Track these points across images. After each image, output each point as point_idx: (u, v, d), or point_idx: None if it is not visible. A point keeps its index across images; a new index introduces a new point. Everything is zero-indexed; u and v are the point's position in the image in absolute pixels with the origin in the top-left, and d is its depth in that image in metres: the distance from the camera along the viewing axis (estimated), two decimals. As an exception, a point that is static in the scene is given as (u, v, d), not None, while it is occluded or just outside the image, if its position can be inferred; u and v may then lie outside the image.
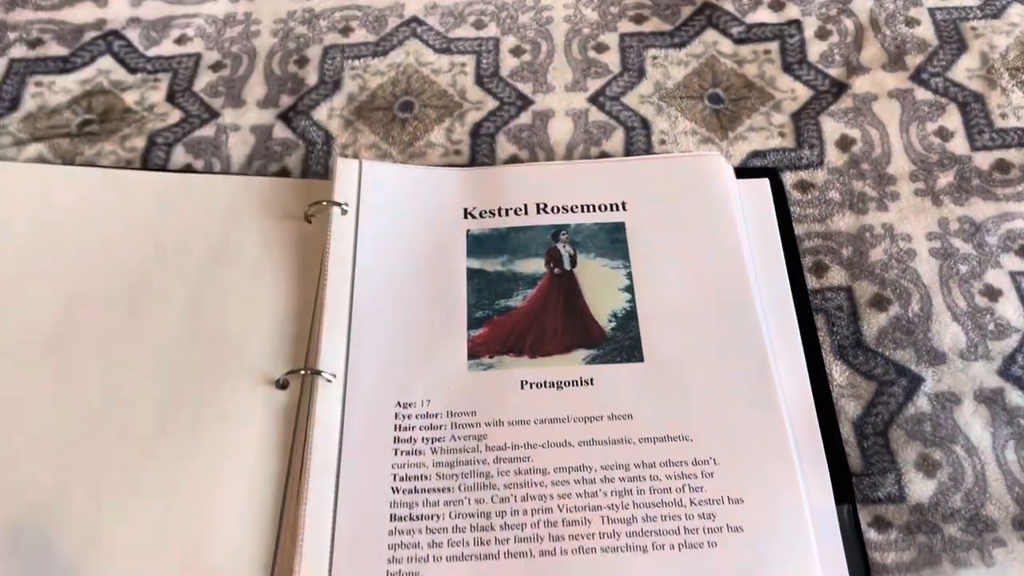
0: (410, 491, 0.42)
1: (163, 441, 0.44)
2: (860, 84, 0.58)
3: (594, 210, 0.52)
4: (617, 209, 0.52)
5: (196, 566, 0.41)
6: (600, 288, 0.49)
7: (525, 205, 0.52)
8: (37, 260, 0.50)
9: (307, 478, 0.42)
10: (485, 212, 0.52)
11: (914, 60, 0.58)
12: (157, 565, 0.41)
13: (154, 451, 0.44)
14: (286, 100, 0.59)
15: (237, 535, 0.42)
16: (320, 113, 0.58)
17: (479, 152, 0.56)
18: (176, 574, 0.41)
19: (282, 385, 0.46)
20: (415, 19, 0.63)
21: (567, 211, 0.52)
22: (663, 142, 0.56)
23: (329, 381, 0.45)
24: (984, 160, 0.54)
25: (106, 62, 0.60)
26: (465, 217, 0.52)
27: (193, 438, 0.44)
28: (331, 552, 0.41)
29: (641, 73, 0.60)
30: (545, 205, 0.52)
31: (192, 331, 0.48)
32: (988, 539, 0.42)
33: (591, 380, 0.46)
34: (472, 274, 0.50)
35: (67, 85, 0.59)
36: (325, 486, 0.42)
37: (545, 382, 0.46)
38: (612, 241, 0.51)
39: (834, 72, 0.59)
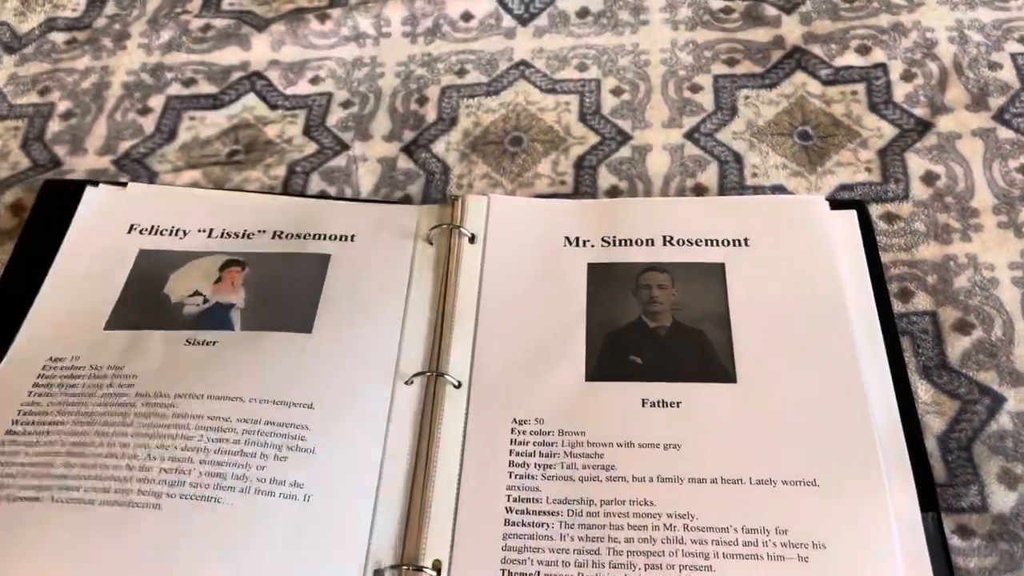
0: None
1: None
2: (944, 123, 0.61)
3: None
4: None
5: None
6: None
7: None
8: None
9: (433, 469, 0.48)
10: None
11: (996, 101, 0.62)
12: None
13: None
14: (408, 135, 0.65)
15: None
16: (439, 147, 0.64)
17: (582, 182, 0.62)
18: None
19: (409, 383, 0.51)
20: (523, 62, 0.69)
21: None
22: (755, 175, 0.61)
23: (455, 387, 0.51)
24: (1066, 195, 0.57)
25: (250, 99, 0.68)
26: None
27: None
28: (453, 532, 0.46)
29: (733, 111, 0.64)
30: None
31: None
32: (1069, 549, 0.45)
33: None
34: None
35: (216, 120, 0.67)
36: (450, 477, 0.48)
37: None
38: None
39: (919, 112, 0.62)
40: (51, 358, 0.52)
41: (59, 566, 0.44)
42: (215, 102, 0.68)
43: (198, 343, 0.53)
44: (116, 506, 0.46)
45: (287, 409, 0.50)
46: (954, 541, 0.46)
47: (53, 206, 0.59)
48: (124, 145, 0.65)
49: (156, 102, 0.68)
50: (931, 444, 0.49)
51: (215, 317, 0.54)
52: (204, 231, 0.58)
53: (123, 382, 0.50)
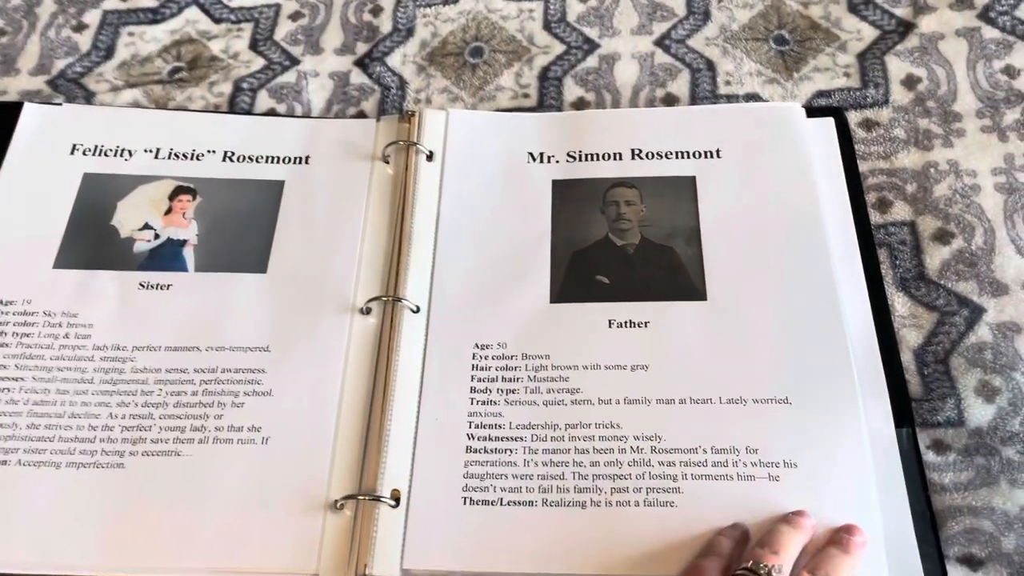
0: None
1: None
2: (926, 23, 0.58)
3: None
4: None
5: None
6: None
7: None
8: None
9: (391, 399, 0.46)
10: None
11: (983, -1, 0.58)
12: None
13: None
14: (362, 47, 0.61)
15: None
16: (394, 60, 0.60)
17: (547, 95, 0.58)
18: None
19: (365, 311, 0.49)
20: (484, -33, 0.65)
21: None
22: (728, 83, 0.57)
23: (414, 312, 0.48)
24: (1052, 97, 0.54)
25: (192, 13, 0.63)
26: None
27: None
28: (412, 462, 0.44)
29: (706, 16, 0.61)
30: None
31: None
32: (1046, 462, 0.43)
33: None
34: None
35: (157, 35, 0.62)
36: (408, 405, 0.46)
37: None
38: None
39: (900, 12, 0.59)
40: (2, 301, 0.49)
41: (29, 531, 0.43)
42: (155, 16, 0.63)
43: (152, 287, 0.50)
44: (82, 468, 0.45)
45: (243, 354, 0.48)
46: (929, 457, 0.44)
47: (-16, 130, 0.56)
48: (59, 64, 0.61)
49: (91, 17, 0.63)
50: (907, 358, 0.47)
51: (167, 255, 0.52)
52: (151, 151, 0.55)
53: (79, 332, 0.49)
